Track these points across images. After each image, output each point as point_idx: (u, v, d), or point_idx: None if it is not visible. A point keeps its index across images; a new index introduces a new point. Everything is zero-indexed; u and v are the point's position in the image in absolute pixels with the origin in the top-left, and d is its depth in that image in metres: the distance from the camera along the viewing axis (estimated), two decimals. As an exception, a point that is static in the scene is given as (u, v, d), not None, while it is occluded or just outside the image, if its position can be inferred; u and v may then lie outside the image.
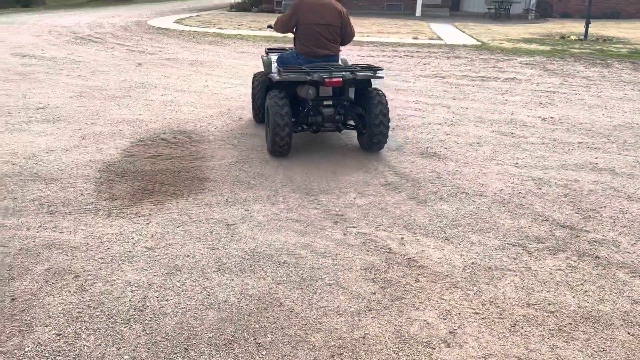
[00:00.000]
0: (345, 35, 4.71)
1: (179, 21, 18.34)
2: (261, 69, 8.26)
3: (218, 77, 8.50)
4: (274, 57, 5.24)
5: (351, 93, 4.75)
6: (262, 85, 5.24)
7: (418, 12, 22.65)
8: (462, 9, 24.72)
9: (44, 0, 30.31)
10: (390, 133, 5.40)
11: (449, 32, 15.85)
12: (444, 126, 5.82)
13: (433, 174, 4.38)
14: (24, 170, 4.29)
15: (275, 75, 4.43)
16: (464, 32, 15.77)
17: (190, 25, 16.80)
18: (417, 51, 11.79)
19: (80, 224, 3.40)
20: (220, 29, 16.03)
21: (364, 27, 17.11)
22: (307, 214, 3.60)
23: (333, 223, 3.48)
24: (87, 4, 31.98)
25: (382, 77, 4.53)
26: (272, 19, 19.33)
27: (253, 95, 5.54)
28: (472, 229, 3.43)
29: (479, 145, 5.16)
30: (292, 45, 5.42)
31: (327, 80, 4.30)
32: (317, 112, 4.61)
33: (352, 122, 4.96)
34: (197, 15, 21.10)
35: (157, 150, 4.88)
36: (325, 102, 4.61)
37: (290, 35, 10.76)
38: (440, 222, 3.52)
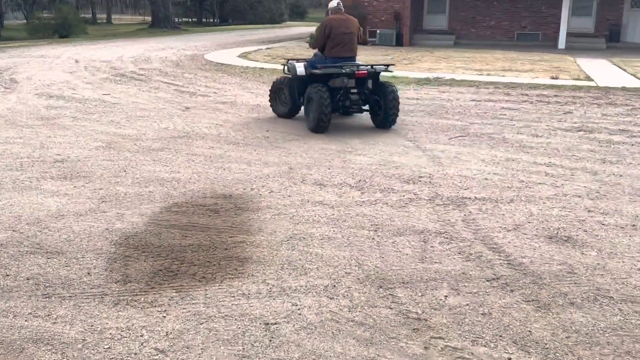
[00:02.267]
0: (358, 41, 8.84)
1: (243, 55, 19.52)
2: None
3: (283, 126, 8.82)
4: (297, 63, 9.08)
5: (369, 85, 8.62)
6: (295, 82, 9.12)
7: (561, 44, 22.49)
8: (623, 39, 24.21)
9: (86, 30, 33.68)
10: (506, 207, 5.33)
11: (602, 69, 15.49)
12: (586, 200, 5.57)
13: (563, 267, 4.16)
14: (24, 240, 4.62)
15: (317, 70, 8.36)
16: (624, 70, 15.35)
17: (257, 61, 17.79)
18: (556, 95, 11.57)
19: (80, 312, 3.55)
20: (294, 64, 16.78)
21: (485, 63, 17.19)
22: (376, 314, 3.52)
23: (411, 330, 3.36)
24: (136, 33, 35.07)
25: (391, 72, 9.17)
26: (361, 52, 20.05)
27: (272, 92, 9.62)
28: (616, 351, 3.16)
29: (635, 230, 4.86)
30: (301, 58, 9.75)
31: (356, 72, 8.30)
32: (347, 98, 8.56)
33: (366, 107, 8.82)
34: (268, 48, 22.35)
35: (191, 219, 5.08)
36: (352, 91, 8.56)
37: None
38: (567, 338, 3.29)
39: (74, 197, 5.65)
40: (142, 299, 3.72)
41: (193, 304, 3.66)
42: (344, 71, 8.24)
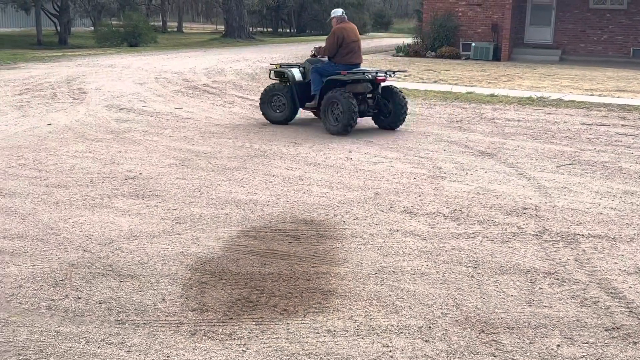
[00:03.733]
0: None
1: (323, 68, 19.74)
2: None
3: (367, 147, 8.87)
4: (293, 69, 10.44)
5: (379, 90, 10.19)
6: (294, 88, 10.37)
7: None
8: None
9: (156, 39, 34.95)
10: (626, 246, 5.17)
11: None
12: None
13: (698, 318, 3.97)
14: (95, 261, 4.81)
15: (343, 76, 9.72)
16: None
17: (338, 74, 17.95)
18: (683, 118, 11.15)
19: (154, 341, 3.66)
20: (379, 79, 16.86)
21: (595, 82, 16.77)
22: (478, 362, 3.46)
23: (519, 382, 3.29)
24: (208, 43, 36.15)
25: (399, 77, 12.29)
26: (453, 68, 19.94)
27: (264, 99, 10.72)
28: None
29: None
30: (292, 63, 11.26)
31: (378, 78, 9.86)
32: (364, 102, 10.06)
33: (374, 110, 10.29)
34: (349, 60, 22.52)
35: (270, 245, 5.16)
36: (368, 96, 10.11)
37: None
38: None
39: (146, 217, 5.85)
40: (220, 330, 3.80)
41: (275, 338, 3.71)
42: (367, 77, 9.79)
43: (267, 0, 46.26)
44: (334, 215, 5.95)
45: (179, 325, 3.86)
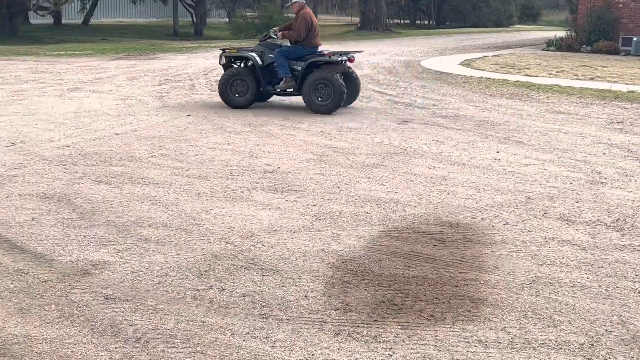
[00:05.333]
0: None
1: (466, 63, 19.50)
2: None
3: (516, 148, 8.66)
4: (254, 54, 11.34)
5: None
6: (257, 72, 11.30)
7: None
8: None
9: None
10: None
11: None
12: None
13: None
14: (238, 253, 5.00)
15: (328, 58, 11.05)
16: None
17: (483, 70, 17.68)
18: None
19: (299, 338, 3.76)
20: (528, 75, 16.45)
21: None
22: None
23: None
24: (343, 35, 36.54)
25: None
26: (611, 64, 19.07)
27: (224, 85, 11.45)
28: None
29: None
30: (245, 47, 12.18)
31: (351, 58, 11.32)
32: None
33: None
34: (495, 55, 22.12)
35: (414, 247, 5.16)
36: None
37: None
38: None
39: (286, 211, 6.01)
40: (365, 331, 3.85)
41: (422, 345, 3.71)
42: (346, 58, 11.20)
43: (406, -9, 46.15)
44: (482, 219, 5.86)
45: (322, 323, 3.94)
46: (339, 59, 11.04)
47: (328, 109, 11.01)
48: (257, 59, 11.23)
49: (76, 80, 15.03)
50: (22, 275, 4.49)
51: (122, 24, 40.41)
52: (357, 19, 48.86)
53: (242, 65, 11.52)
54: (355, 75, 11.67)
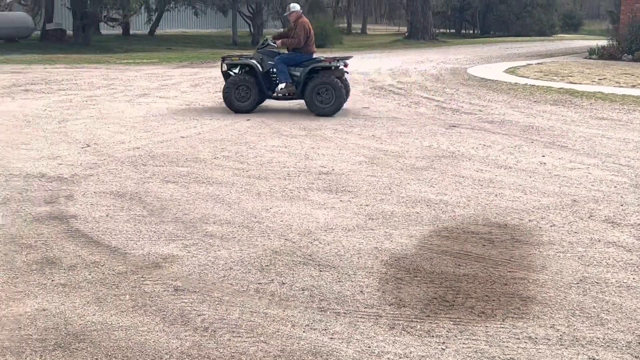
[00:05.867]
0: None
1: (511, 70, 19.24)
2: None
3: (561, 152, 8.51)
4: (254, 61, 11.39)
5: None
6: (259, 78, 11.34)
7: None
8: None
9: (342, 40, 35.72)
10: None
11: None
12: None
13: None
14: (296, 250, 5.02)
15: (327, 64, 11.35)
16: None
17: (527, 77, 17.42)
18: None
19: (355, 331, 3.76)
20: (572, 82, 16.15)
21: None
22: (698, 386, 3.21)
23: None
24: (392, 44, 36.41)
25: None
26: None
27: (229, 91, 11.42)
28: None
29: None
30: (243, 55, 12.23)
31: (346, 63, 11.52)
32: None
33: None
34: (539, 63, 21.77)
35: (463, 246, 5.11)
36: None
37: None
38: None
39: (340, 211, 6.01)
40: (418, 326, 3.82)
41: (474, 340, 3.67)
42: (345, 63, 11.47)
43: (453, 1, 45.74)
44: (529, 220, 5.77)
45: (377, 317, 3.93)
46: (337, 64, 11.30)
47: (330, 112, 11.24)
48: (259, 66, 11.31)
49: (144, 87, 15.30)
50: (98, 267, 4.59)
51: (185, 34, 40.99)
52: (404, 29, 48.60)
53: (240, 72, 11.47)
54: (346, 79, 11.81)
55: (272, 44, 11.56)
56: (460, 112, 11.95)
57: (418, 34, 39.51)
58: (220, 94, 12.11)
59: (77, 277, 4.41)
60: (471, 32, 54.29)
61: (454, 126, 10.47)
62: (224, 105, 11.75)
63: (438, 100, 13.48)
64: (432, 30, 41.67)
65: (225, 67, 11.65)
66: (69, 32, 30.61)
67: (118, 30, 36.42)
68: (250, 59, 11.51)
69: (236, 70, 11.58)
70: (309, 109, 11.42)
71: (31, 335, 3.64)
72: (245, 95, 11.39)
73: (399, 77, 17.90)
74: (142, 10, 31.83)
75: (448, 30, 53.99)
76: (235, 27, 35.95)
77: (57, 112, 11.34)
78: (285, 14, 12.21)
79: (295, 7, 11.56)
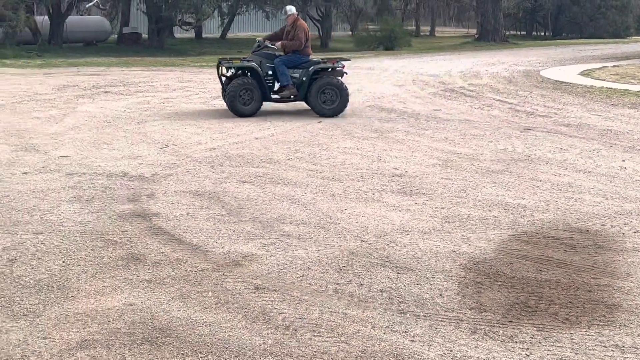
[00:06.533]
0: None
1: (586, 73, 18.74)
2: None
3: (642, 157, 8.24)
4: (254, 64, 11.18)
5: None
6: (261, 81, 11.16)
7: None
8: None
9: (410, 42, 35.51)
10: None
11: None
12: None
13: None
14: (373, 251, 5.00)
15: (332, 65, 11.53)
16: None
17: (604, 80, 16.93)
18: None
19: (436, 334, 3.71)
20: (650, 85, 15.59)
21: None
22: None
23: None
24: (461, 46, 35.97)
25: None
26: None
27: (233, 96, 11.05)
28: None
29: None
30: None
31: (344, 65, 11.72)
32: None
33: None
34: (615, 66, 21.14)
35: (544, 252, 4.99)
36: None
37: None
38: None
39: (416, 213, 5.96)
40: (501, 331, 3.75)
41: (559, 347, 3.58)
42: (343, 64, 11.59)
43: (524, 3, 44.87)
44: (611, 226, 5.60)
45: (458, 321, 3.87)
46: (339, 66, 11.43)
47: (335, 112, 11.25)
48: (259, 68, 11.12)
49: (218, 89, 15.47)
50: (181, 264, 4.68)
51: (256, 37, 41.53)
52: (473, 31, 47.98)
53: (238, 76, 11.18)
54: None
55: (270, 45, 11.36)
56: (535, 115, 11.70)
57: (488, 36, 38.90)
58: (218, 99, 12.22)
59: (161, 274, 4.51)
60: (542, 34, 53.17)
61: (529, 129, 10.25)
62: (294, 106, 11.81)
63: (511, 103, 13.24)
64: (503, 32, 40.97)
65: (224, 70, 11.44)
66: (144, 35, 31.40)
67: (191, 34, 37.14)
68: (249, 61, 11.27)
69: (229, 74, 11.35)
70: (313, 110, 11.37)
71: (119, 329, 3.73)
72: (248, 98, 11.10)
73: (470, 79, 17.66)
74: (214, 14, 32.36)
75: (519, 32, 53.02)
76: (304, 30, 36.19)
77: (136, 113, 11.64)
78: (282, 17, 11.97)
79: (292, 9, 11.48)
